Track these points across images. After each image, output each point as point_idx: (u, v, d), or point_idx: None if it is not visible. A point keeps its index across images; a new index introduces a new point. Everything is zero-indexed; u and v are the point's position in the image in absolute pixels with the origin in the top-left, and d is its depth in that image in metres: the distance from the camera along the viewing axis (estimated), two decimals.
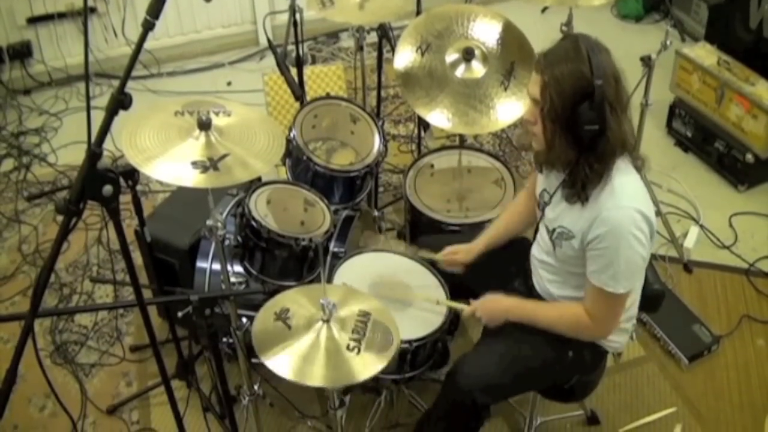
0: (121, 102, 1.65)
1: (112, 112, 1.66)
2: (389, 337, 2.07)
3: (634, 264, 2.12)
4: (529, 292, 2.48)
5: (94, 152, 1.61)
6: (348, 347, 2.02)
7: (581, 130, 2.06)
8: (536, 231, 2.43)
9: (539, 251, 2.44)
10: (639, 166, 2.19)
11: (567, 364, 2.38)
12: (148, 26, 1.65)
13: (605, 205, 2.11)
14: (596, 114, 2.04)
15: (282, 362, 1.98)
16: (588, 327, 2.24)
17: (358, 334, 2.06)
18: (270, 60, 4.87)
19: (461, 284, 2.62)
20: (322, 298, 2.06)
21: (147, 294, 3.12)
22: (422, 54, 3.07)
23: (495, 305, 2.42)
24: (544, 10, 5.49)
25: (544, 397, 2.64)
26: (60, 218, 1.65)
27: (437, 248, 2.69)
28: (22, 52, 4.79)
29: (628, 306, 2.30)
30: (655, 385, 3.15)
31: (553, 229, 2.29)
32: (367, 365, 1.99)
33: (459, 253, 2.65)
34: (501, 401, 2.54)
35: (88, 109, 1.58)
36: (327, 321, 2.06)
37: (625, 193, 2.11)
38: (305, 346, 2.02)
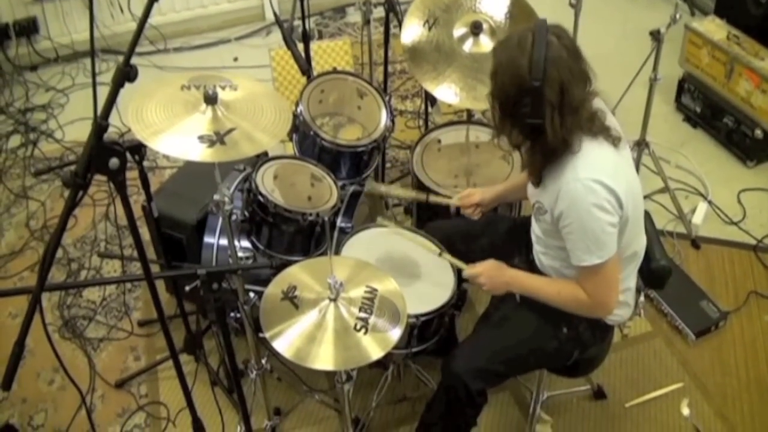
0: (126, 74, 1.64)
1: (118, 84, 1.65)
2: (396, 315, 2.07)
3: (602, 232, 2.09)
4: (530, 267, 2.48)
5: (100, 125, 1.60)
6: (355, 327, 2.02)
7: (521, 121, 2.08)
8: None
9: (532, 226, 2.46)
10: (615, 143, 2.16)
11: (563, 341, 2.38)
12: None
13: (566, 178, 2.10)
14: (534, 111, 2.04)
15: (290, 345, 1.98)
16: (587, 303, 2.23)
17: (366, 312, 2.06)
18: (276, 35, 4.87)
19: (463, 259, 2.61)
20: (329, 276, 2.06)
21: (155, 269, 3.14)
22: (430, 28, 3.04)
23: (498, 273, 2.40)
24: None
25: (550, 372, 2.64)
26: (67, 193, 1.65)
27: (444, 233, 2.70)
28: (28, 29, 4.79)
29: (624, 277, 2.30)
30: (661, 361, 3.15)
31: (533, 204, 2.31)
32: (374, 346, 1.99)
33: (475, 195, 2.67)
34: (497, 385, 2.54)
35: (94, 81, 1.58)
36: (334, 300, 2.06)
37: (585, 165, 2.08)
38: (312, 327, 2.02)
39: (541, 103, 2.02)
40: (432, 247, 2.60)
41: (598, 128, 2.12)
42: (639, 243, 2.33)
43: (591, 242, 2.10)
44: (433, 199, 2.69)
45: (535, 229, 2.41)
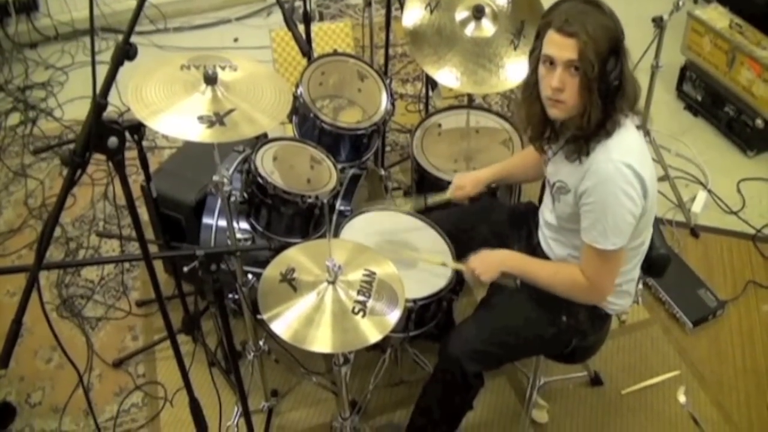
0: (126, 52, 1.63)
1: (117, 62, 1.64)
2: (394, 299, 2.07)
3: (622, 219, 2.08)
4: (533, 252, 2.47)
5: (99, 103, 1.59)
6: (353, 310, 2.02)
7: (609, 86, 2.03)
8: (542, 189, 2.42)
9: (544, 209, 2.44)
10: (641, 125, 2.17)
11: (562, 329, 2.38)
12: None
13: (597, 158, 2.09)
14: (620, 68, 2.03)
15: (288, 327, 1.97)
16: (583, 287, 2.22)
17: (364, 296, 2.06)
18: (277, 16, 4.85)
19: (463, 252, 2.60)
20: (327, 259, 2.06)
21: (153, 249, 3.14)
22: (431, 11, 3.03)
23: (489, 256, 2.39)
24: None
25: (547, 358, 2.65)
26: (66, 171, 1.64)
27: (444, 224, 2.70)
28: (28, 6, 4.77)
29: (629, 268, 2.30)
30: (659, 349, 3.16)
31: (553, 183, 2.29)
32: (372, 329, 1.99)
33: (466, 187, 2.66)
34: (493, 368, 2.54)
35: (93, 60, 1.56)
36: (332, 282, 2.06)
37: (618, 148, 2.07)
38: (310, 309, 2.02)
39: (623, 56, 2.03)
40: (435, 260, 2.59)
41: (636, 98, 2.13)
42: (647, 235, 2.31)
43: (609, 227, 2.09)
44: (431, 200, 2.68)
45: (547, 215, 2.40)
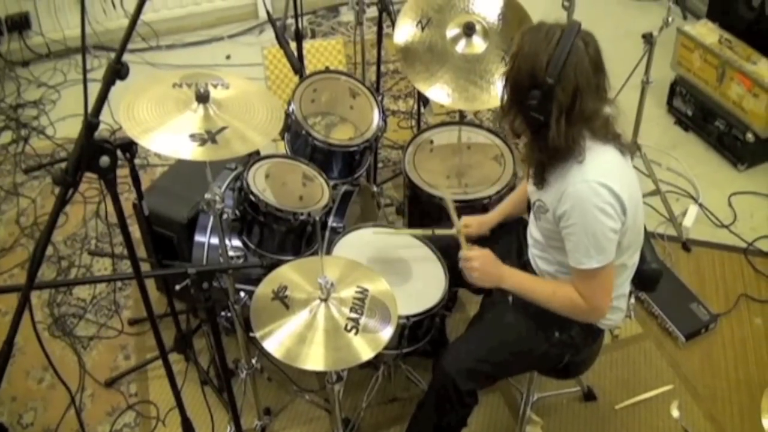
0: (117, 71, 1.63)
1: (108, 81, 1.64)
2: (387, 316, 2.07)
3: (603, 236, 2.09)
4: (523, 268, 2.48)
5: (90, 122, 1.59)
6: (346, 327, 2.02)
7: (526, 111, 2.06)
8: (529, 207, 2.43)
9: (530, 226, 2.45)
10: (623, 151, 2.16)
11: (555, 344, 2.38)
12: None
13: (572, 179, 2.09)
14: (540, 107, 2.03)
15: (280, 345, 1.97)
16: (581, 307, 2.23)
17: (356, 313, 2.05)
18: (270, 33, 4.85)
19: (455, 270, 2.60)
20: (319, 277, 2.06)
21: (145, 267, 3.13)
22: (422, 29, 3.04)
23: (493, 266, 2.38)
24: None
25: (541, 374, 2.64)
26: (58, 190, 1.64)
27: (434, 238, 2.69)
28: (20, 24, 4.76)
29: (619, 283, 2.30)
30: (652, 363, 3.16)
31: (534, 202, 2.30)
32: (364, 346, 1.99)
33: (472, 227, 2.64)
34: (488, 386, 2.53)
35: (85, 79, 1.57)
36: (325, 300, 2.06)
37: (593, 169, 2.08)
38: (303, 327, 2.02)
39: (549, 101, 2.01)
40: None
41: (612, 135, 2.13)
42: (635, 251, 2.32)
43: (591, 245, 2.10)
44: (438, 232, 2.67)
45: (533, 231, 2.41)
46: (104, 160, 1.67)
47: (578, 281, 2.21)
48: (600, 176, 2.06)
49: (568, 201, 2.09)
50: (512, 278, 2.37)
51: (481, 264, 2.37)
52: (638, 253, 2.34)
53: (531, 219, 2.42)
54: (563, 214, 2.12)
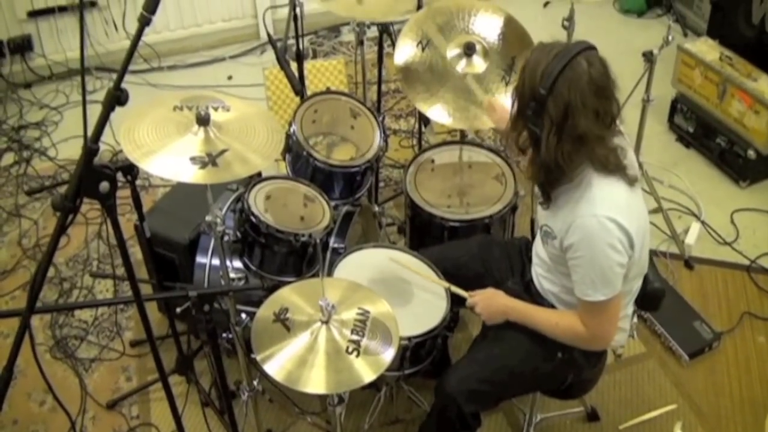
0: (117, 98, 1.64)
1: (108, 107, 1.65)
2: (389, 337, 2.06)
3: (610, 271, 2.10)
4: (526, 288, 2.48)
5: (90, 149, 1.60)
6: (347, 350, 2.01)
7: (527, 124, 2.10)
8: (532, 224, 2.43)
9: (536, 245, 2.46)
10: (631, 182, 2.15)
11: (558, 366, 2.38)
12: (144, 21, 1.64)
13: (581, 212, 2.09)
14: (535, 119, 2.05)
15: (281, 368, 1.97)
16: (584, 337, 2.24)
17: (358, 335, 2.05)
18: (271, 54, 4.84)
19: (456, 283, 2.60)
20: (320, 299, 2.05)
21: (147, 289, 3.13)
22: (423, 49, 3.05)
23: (495, 302, 2.42)
24: (546, 4, 5.50)
25: (543, 394, 2.63)
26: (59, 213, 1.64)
27: (437, 257, 2.69)
28: (22, 46, 4.79)
29: (622, 306, 2.29)
30: (655, 382, 3.14)
31: (541, 227, 2.31)
32: (366, 368, 1.98)
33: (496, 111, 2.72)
34: (490, 408, 2.53)
35: (84, 105, 1.57)
36: (326, 322, 2.06)
37: (602, 202, 2.08)
38: (304, 349, 2.01)
39: (541, 112, 2.03)
40: (437, 280, 2.59)
41: (613, 166, 2.11)
42: (639, 278, 2.33)
43: (598, 279, 2.10)
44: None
45: (540, 251, 2.41)
46: (104, 185, 1.67)
47: (583, 312, 2.22)
48: (609, 210, 2.06)
49: (576, 234, 2.09)
50: (515, 312, 2.39)
51: (484, 307, 2.42)
52: (642, 278, 2.35)
53: (537, 239, 2.42)
54: (570, 246, 2.12)
